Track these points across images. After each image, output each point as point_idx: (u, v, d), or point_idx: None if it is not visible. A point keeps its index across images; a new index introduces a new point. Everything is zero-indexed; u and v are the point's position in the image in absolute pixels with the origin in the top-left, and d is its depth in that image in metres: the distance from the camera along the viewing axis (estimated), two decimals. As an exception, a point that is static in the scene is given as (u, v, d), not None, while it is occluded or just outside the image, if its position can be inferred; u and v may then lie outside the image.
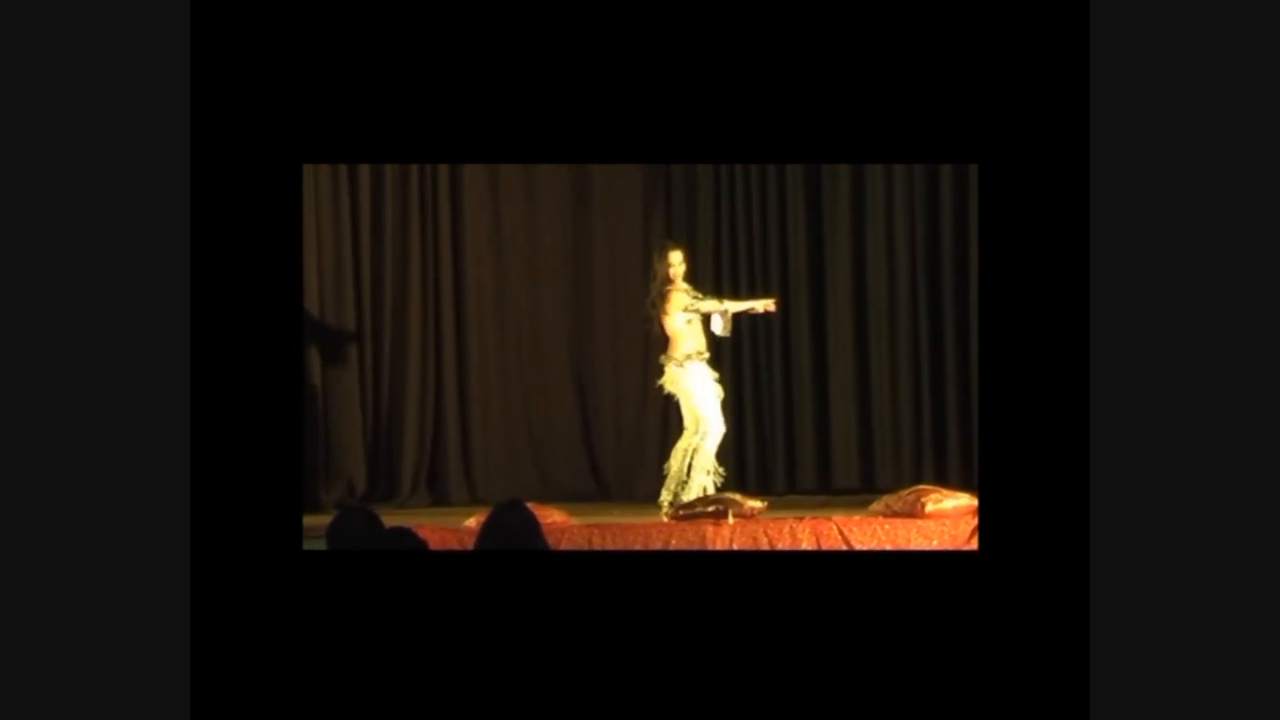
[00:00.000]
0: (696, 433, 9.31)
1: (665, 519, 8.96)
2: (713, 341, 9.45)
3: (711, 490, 9.20)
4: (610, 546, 8.60)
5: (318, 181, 11.01)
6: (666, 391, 9.51)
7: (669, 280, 9.37)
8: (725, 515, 8.74)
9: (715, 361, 9.73)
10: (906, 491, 9.15)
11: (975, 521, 8.15)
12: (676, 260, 9.41)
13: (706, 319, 9.40)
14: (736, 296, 11.62)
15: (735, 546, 8.50)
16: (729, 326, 9.45)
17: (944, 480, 10.22)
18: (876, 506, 9.14)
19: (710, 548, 8.48)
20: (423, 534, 7.99)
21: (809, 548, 8.46)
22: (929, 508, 8.77)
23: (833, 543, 8.51)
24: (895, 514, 8.86)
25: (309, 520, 9.21)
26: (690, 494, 9.16)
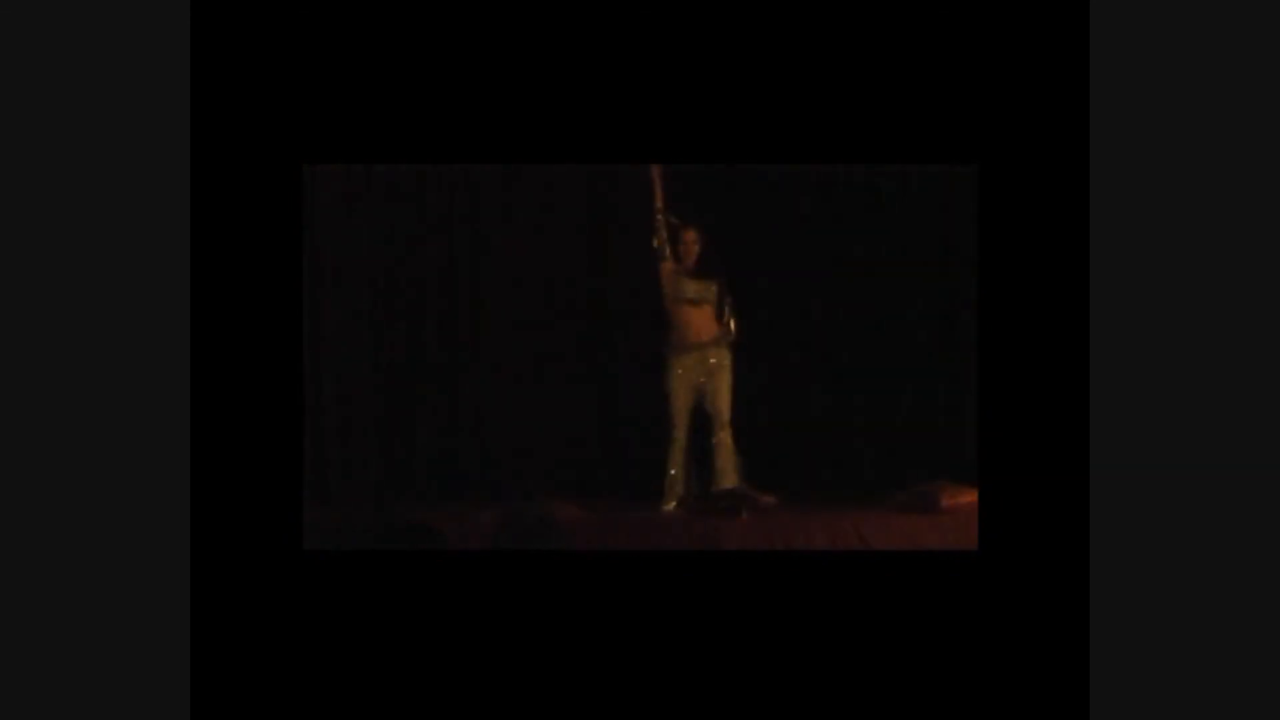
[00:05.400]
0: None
1: (676, 511, 8.96)
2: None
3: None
4: (626, 541, 8.60)
5: (332, 178, 11.04)
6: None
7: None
8: (739, 511, 8.73)
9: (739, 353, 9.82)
10: (924, 486, 9.11)
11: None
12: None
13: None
14: (751, 292, 11.69)
15: (749, 542, 8.49)
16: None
17: (961, 476, 10.18)
18: (893, 502, 9.11)
19: (724, 543, 8.47)
20: (438, 529, 8.06)
21: (823, 543, 8.44)
22: (946, 503, 8.74)
23: (847, 538, 8.48)
24: (912, 509, 8.84)
25: (318, 515, 9.25)
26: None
